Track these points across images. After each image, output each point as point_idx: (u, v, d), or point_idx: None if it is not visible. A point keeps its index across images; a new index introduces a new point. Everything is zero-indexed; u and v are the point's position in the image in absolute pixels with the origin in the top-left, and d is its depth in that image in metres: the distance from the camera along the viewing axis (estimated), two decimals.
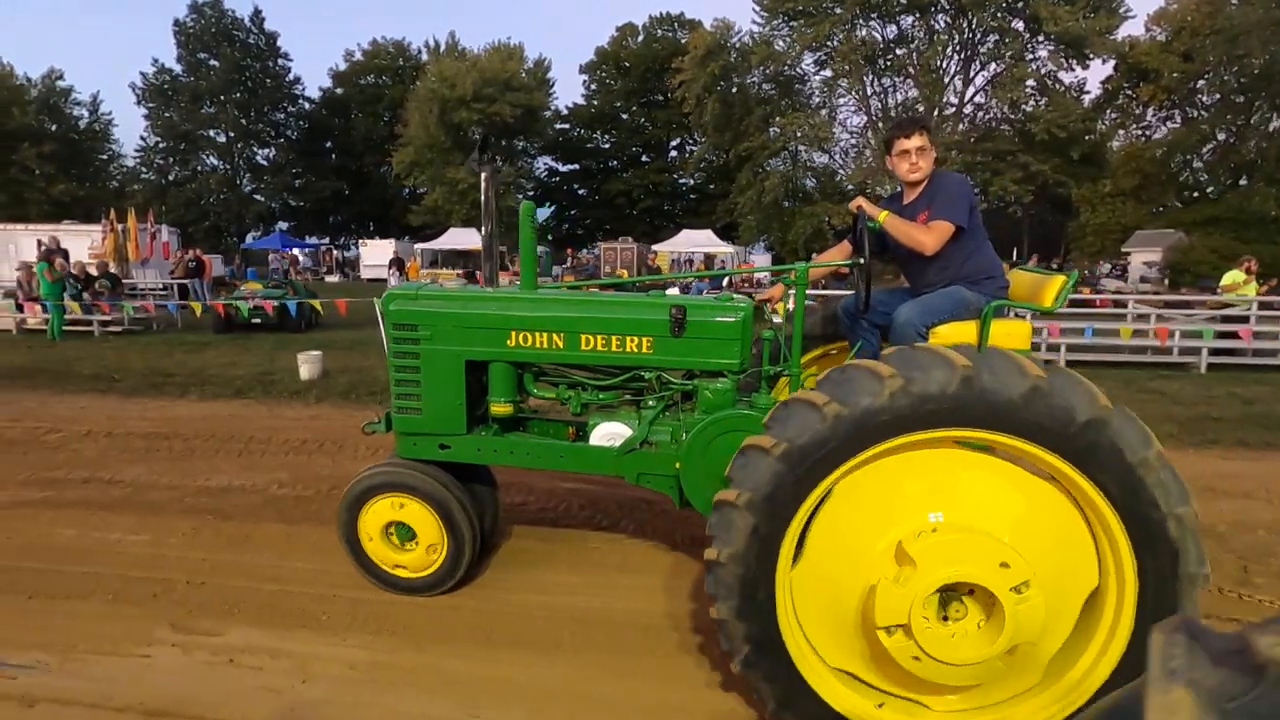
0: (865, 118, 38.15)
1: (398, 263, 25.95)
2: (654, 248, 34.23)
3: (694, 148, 47.66)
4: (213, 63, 48.83)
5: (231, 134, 50.57)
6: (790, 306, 3.43)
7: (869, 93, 37.60)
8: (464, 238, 34.51)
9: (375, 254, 36.44)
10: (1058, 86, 34.30)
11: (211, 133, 50.23)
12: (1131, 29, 44.56)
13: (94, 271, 15.29)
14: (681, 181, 51.70)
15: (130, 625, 3.43)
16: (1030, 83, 33.70)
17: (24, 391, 8.86)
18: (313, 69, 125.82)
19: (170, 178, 50.38)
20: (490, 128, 41.01)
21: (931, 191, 3.44)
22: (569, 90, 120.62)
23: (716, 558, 2.50)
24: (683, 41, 43.23)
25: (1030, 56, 33.98)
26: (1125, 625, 2.43)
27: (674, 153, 53.03)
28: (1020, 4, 32.44)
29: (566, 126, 52.61)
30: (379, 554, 3.65)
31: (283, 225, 52.41)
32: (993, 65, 35.28)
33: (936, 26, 35.33)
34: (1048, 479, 2.53)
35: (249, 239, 50.98)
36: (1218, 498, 5.27)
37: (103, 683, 2.98)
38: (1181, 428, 7.21)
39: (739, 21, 37.22)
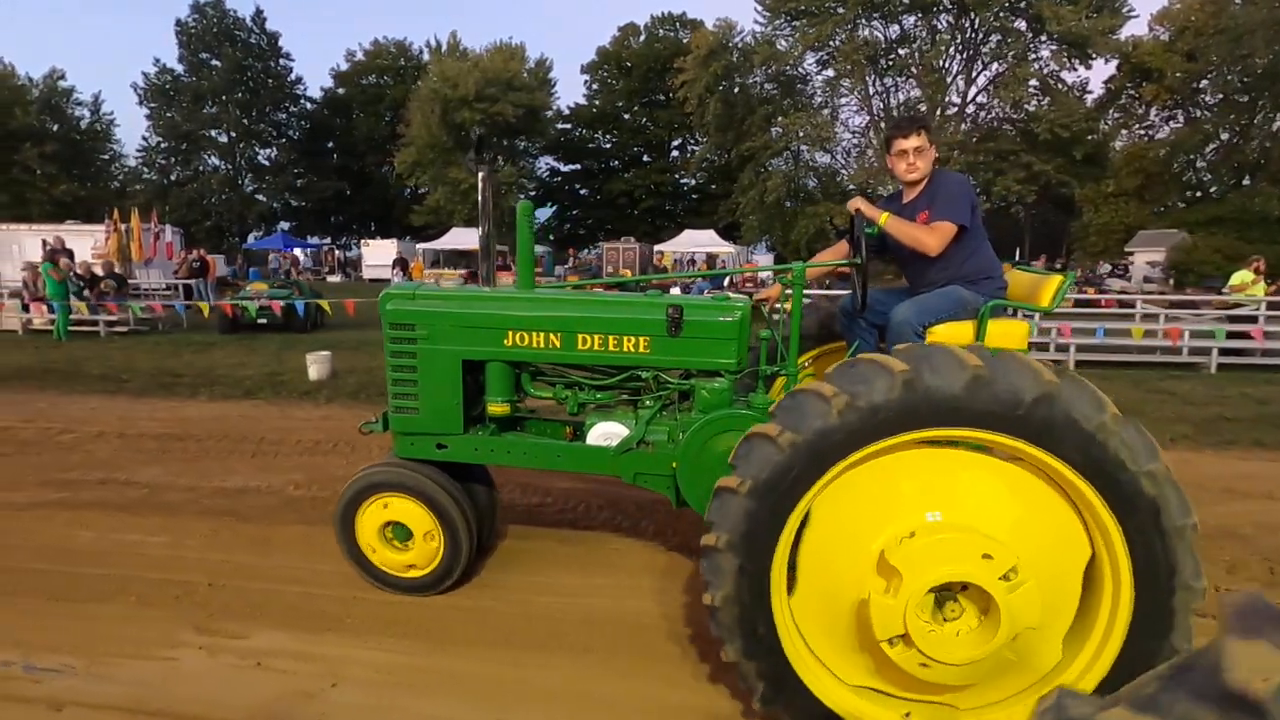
0: (867, 117, 38.13)
1: (402, 263, 25.94)
2: (657, 248, 34.21)
3: (695, 148, 47.60)
4: (214, 63, 48.86)
5: (233, 134, 50.59)
6: (788, 306, 3.43)
7: (871, 92, 37.52)
8: (466, 238, 34.52)
9: (377, 254, 36.50)
10: (1060, 86, 34.21)
11: (213, 133, 50.25)
12: (1135, 28, 44.62)
13: (100, 271, 15.26)
14: (683, 181, 51.68)
15: (154, 628, 3.41)
16: (1033, 82, 33.60)
17: (33, 392, 8.84)
18: (314, 69, 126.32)
19: (172, 178, 50.40)
20: (492, 128, 41.01)
21: (932, 191, 3.42)
22: (571, 90, 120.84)
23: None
24: (684, 41, 43.17)
25: (1033, 56, 33.91)
26: (1126, 588, 2.39)
27: (675, 153, 53.02)
28: (1023, 4, 32.34)
29: (568, 126, 52.60)
30: (380, 556, 3.68)
31: (284, 225, 52.43)
32: (995, 65, 35.19)
33: (939, 26, 35.28)
34: (1015, 461, 2.52)
35: (251, 239, 50.98)
36: (1239, 499, 5.25)
37: (131, 686, 2.96)
38: (1197, 429, 7.19)
39: (741, 21, 37.28)
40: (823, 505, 2.56)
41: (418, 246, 37.66)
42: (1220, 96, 34.64)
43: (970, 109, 36.72)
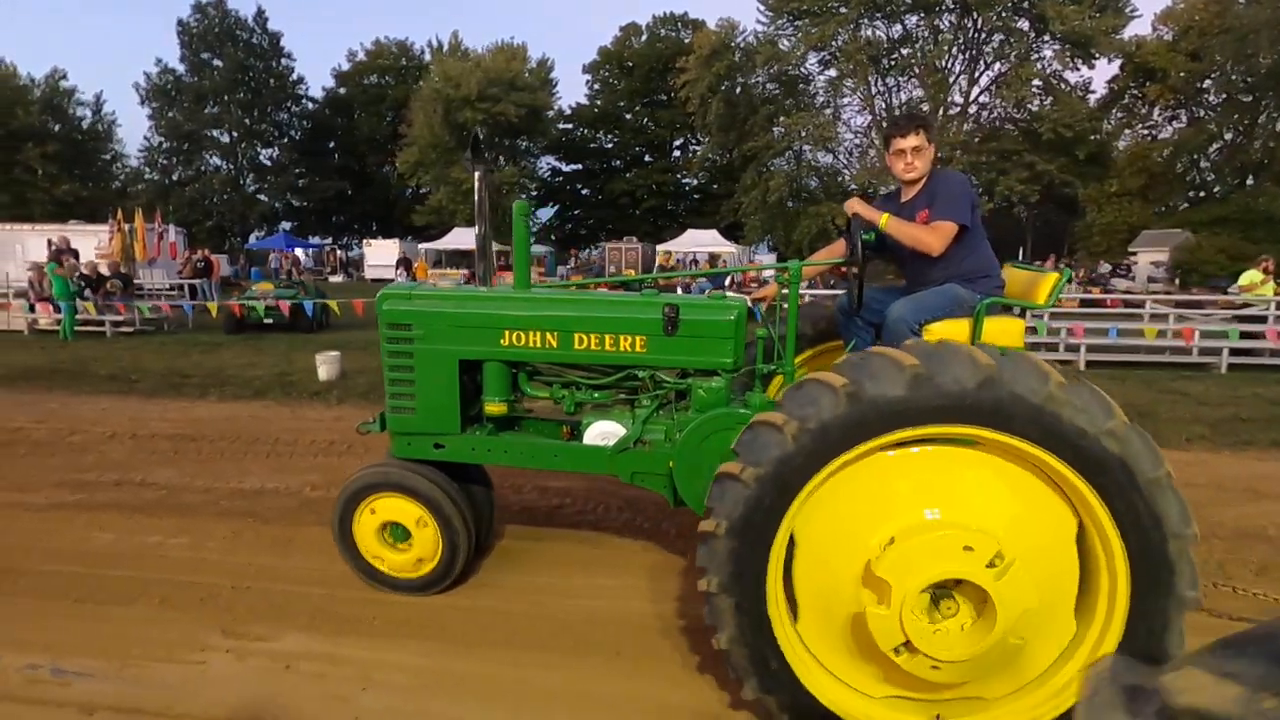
0: (870, 117, 38.09)
1: (405, 263, 25.91)
2: (659, 247, 34.19)
3: (697, 147, 47.56)
4: (216, 63, 48.83)
5: (235, 134, 50.56)
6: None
7: (873, 92, 37.47)
8: (468, 238, 34.45)
9: (380, 254, 36.50)
10: (1064, 86, 34.19)
11: (215, 133, 50.22)
12: (1138, 28, 44.48)
13: (106, 271, 15.24)
14: (685, 181, 51.66)
15: (181, 631, 3.38)
16: (1036, 82, 33.59)
17: (42, 393, 8.82)
18: (316, 69, 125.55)
19: (174, 178, 50.36)
20: (494, 128, 41.00)
21: (931, 190, 3.41)
22: (572, 90, 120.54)
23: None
24: (686, 41, 43.15)
25: (1036, 56, 33.88)
26: (1118, 552, 2.36)
27: (677, 153, 52.98)
28: (1026, 3, 32.32)
29: (570, 126, 52.53)
30: (389, 563, 3.69)
31: (286, 225, 52.41)
32: (998, 65, 35.19)
33: (941, 26, 35.25)
34: (972, 446, 2.50)
35: (252, 239, 50.96)
36: (1262, 500, 5.22)
37: (161, 690, 2.93)
38: (1213, 429, 7.16)
39: (743, 21, 37.24)
40: (804, 527, 2.56)
41: (420, 246, 37.63)
42: (1224, 96, 34.62)
43: (973, 109, 36.72)
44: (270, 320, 14.30)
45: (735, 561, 2.48)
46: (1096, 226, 35.57)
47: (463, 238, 35.47)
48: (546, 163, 53.17)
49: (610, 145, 53.52)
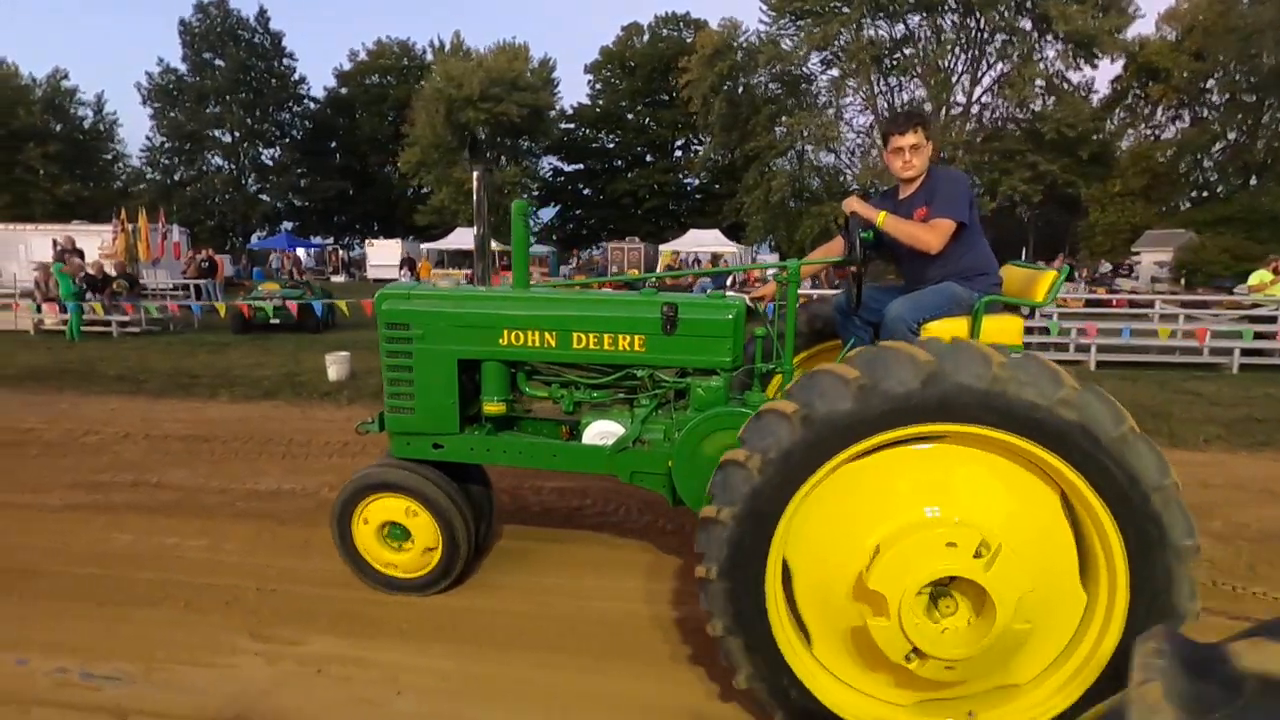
0: (872, 117, 38.04)
1: (409, 263, 25.89)
2: (664, 248, 34.17)
3: (699, 147, 47.54)
4: (218, 62, 48.80)
5: (237, 134, 50.53)
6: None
7: (876, 92, 37.45)
8: (470, 238, 34.01)
9: (382, 254, 36.46)
10: (1066, 86, 34.19)
11: (217, 133, 50.19)
12: (1141, 28, 44.40)
13: (112, 271, 15.21)
14: (687, 181, 51.62)
15: (207, 634, 3.35)
16: (1039, 82, 33.57)
17: (52, 393, 8.79)
18: (317, 69, 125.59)
19: (175, 178, 50.34)
20: (496, 128, 40.97)
21: (930, 188, 3.39)
22: (574, 90, 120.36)
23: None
24: (688, 41, 43.13)
25: (1039, 56, 33.85)
26: (1102, 515, 2.32)
27: (679, 153, 52.97)
28: (1029, 3, 32.31)
29: (571, 126, 52.49)
30: (399, 569, 3.69)
31: (288, 225, 52.37)
32: (1000, 64, 35.17)
33: (944, 26, 35.24)
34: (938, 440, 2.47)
35: (254, 239, 50.91)
36: None
37: (192, 694, 2.90)
38: (1228, 430, 7.13)
39: (746, 21, 37.22)
40: (794, 550, 2.53)
41: (422, 246, 37.60)
42: (1227, 96, 34.65)
43: (975, 109, 36.69)
44: (278, 320, 14.27)
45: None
46: (1099, 226, 35.57)
47: (465, 238, 35.39)
48: (548, 163, 53.28)
49: (612, 145, 53.49)
